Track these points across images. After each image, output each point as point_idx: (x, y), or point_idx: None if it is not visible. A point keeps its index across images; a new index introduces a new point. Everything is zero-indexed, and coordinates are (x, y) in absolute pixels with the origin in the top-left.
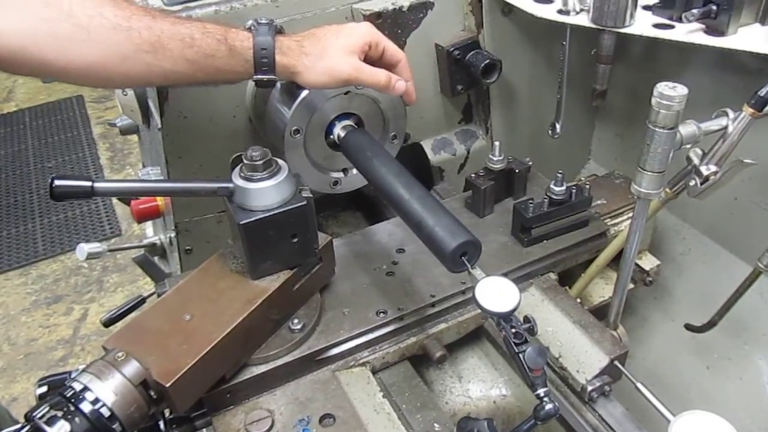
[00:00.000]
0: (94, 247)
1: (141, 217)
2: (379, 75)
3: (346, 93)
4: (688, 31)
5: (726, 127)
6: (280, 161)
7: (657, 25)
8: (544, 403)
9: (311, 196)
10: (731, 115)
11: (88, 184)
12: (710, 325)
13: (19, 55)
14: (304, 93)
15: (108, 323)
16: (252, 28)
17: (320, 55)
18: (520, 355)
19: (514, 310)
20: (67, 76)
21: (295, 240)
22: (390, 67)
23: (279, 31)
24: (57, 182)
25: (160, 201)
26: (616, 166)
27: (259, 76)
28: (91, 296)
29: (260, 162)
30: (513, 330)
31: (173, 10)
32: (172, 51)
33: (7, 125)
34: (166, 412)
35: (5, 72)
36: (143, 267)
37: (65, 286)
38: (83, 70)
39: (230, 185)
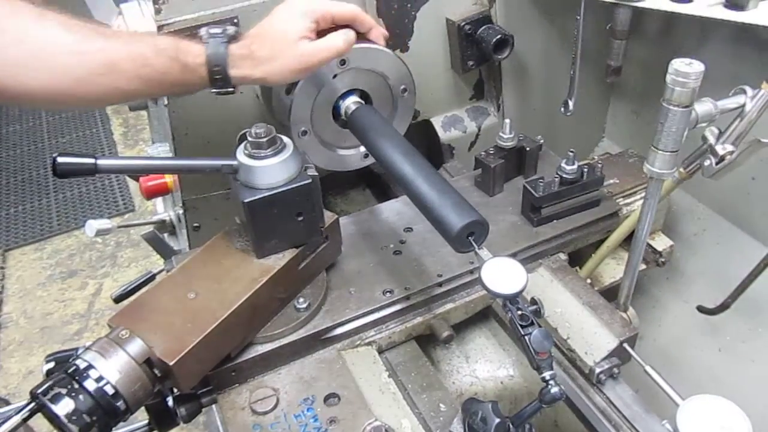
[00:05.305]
0: (102, 223)
1: (150, 194)
2: (335, 42)
3: (349, 68)
4: (707, 5)
5: (743, 105)
6: (285, 138)
7: None
8: (549, 386)
9: (317, 174)
10: (749, 92)
11: (91, 161)
12: (723, 307)
13: None
14: None
15: (119, 299)
16: (204, 38)
17: (272, 57)
18: (526, 338)
19: (521, 292)
20: (24, 100)
21: (301, 218)
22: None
23: (233, 37)
24: (60, 159)
25: (168, 178)
26: (631, 144)
27: (215, 90)
28: (105, 271)
29: (264, 139)
30: (519, 312)
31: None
32: (126, 72)
33: None
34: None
35: None
36: (152, 244)
37: (80, 261)
38: (39, 95)
39: (234, 163)
